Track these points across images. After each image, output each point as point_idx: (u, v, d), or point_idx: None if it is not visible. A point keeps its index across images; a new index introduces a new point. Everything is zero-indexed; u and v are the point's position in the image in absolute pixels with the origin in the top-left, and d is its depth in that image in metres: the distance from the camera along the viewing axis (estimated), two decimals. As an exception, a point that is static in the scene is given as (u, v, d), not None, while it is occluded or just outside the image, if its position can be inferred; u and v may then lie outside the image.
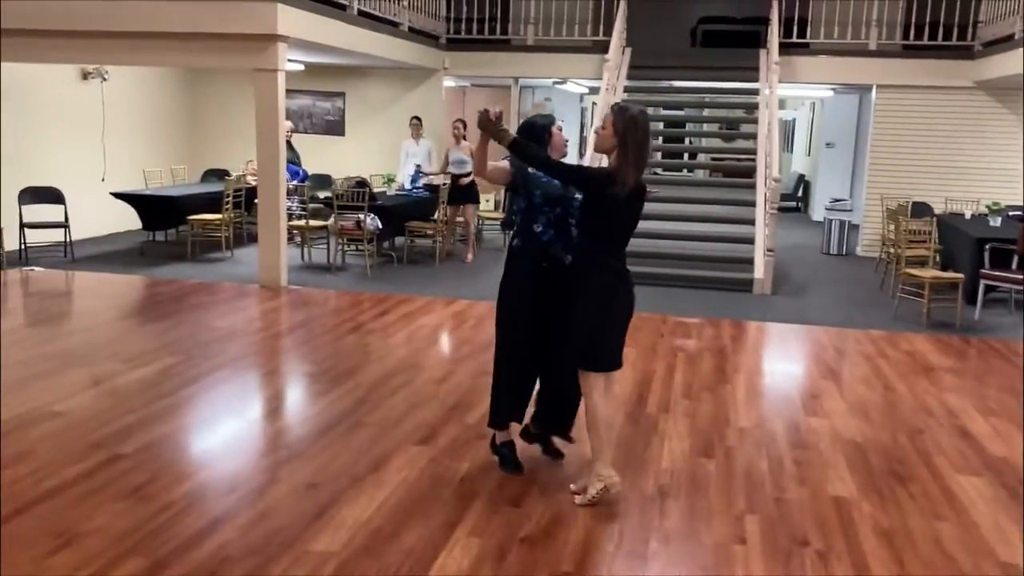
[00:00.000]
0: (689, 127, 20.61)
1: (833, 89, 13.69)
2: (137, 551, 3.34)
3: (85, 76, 10.79)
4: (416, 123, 11.17)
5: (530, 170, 4.00)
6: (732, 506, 3.94)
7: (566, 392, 4.14)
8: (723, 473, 4.32)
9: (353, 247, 9.76)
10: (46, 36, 8.59)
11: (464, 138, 10.27)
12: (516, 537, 3.57)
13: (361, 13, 9.84)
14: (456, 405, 5.18)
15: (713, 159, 17.41)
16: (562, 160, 4.03)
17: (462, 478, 4.14)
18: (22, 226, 9.30)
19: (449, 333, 7.16)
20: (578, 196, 3.96)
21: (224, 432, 4.83)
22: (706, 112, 16.07)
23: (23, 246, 9.35)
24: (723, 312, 8.06)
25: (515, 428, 4.36)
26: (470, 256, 10.30)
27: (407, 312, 7.60)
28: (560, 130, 4.13)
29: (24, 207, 9.34)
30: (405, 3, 11.07)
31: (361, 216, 9.11)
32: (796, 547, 3.59)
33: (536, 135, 4.06)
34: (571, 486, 4.03)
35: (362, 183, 9.47)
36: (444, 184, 10.20)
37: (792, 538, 3.66)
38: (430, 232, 10.26)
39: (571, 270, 3.94)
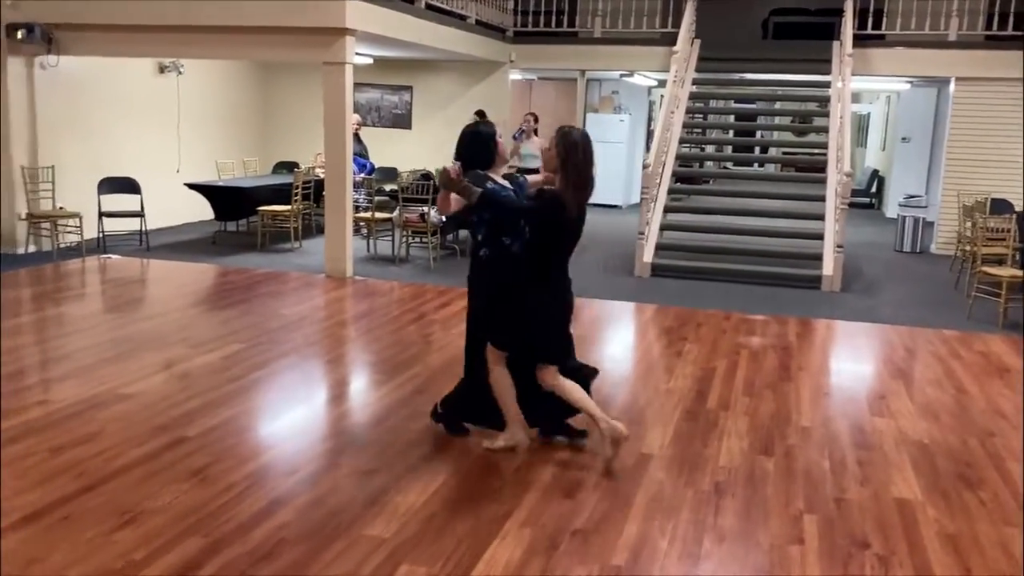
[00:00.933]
0: (760, 120, 20.25)
1: (910, 82, 13.31)
2: (196, 530, 3.43)
3: (161, 70, 11.10)
4: (529, 117, 11.16)
5: (489, 185, 4.08)
6: (790, 506, 3.87)
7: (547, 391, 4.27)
8: (782, 472, 4.23)
9: (417, 239, 9.84)
10: (124, 31, 8.88)
11: (536, 132, 10.21)
12: (568, 529, 3.56)
13: (428, 6, 9.92)
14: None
15: (785, 153, 17.15)
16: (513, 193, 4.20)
17: (516, 468, 4.14)
18: (100, 215, 9.61)
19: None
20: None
21: (286, 417, 4.93)
22: (778, 105, 15.80)
23: (101, 234, 9.66)
24: (789, 309, 7.90)
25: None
26: None
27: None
28: (500, 137, 4.31)
29: (102, 196, 9.64)
30: (472, -4, 11.11)
31: (425, 209, 9.19)
32: (856, 550, 3.50)
33: (483, 142, 4.26)
34: (484, 442, 4.37)
35: (427, 176, 9.55)
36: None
37: (852, 540, 3.57)
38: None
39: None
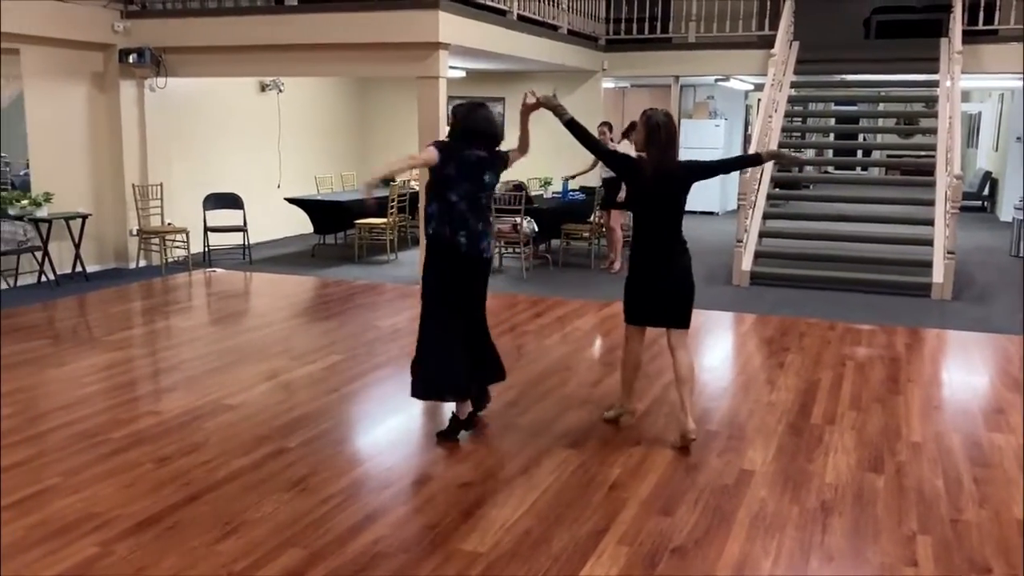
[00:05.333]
0: (863, 123, 19.60)
1: (1025, 78, 12.64)
2: (296, 542, 3.48)
3: (263, 88, 11.45)
4: (604, 128, 11.12)
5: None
6: (902, 525, 3.68)
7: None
8: (893, 490, 4.04)
9: (510, 249, 9.86)
10: (227, 52, 9.20)
11: (612, 140, 10.06)
12: (667, 547, 3.47)
13: (520, 18, 9.94)
14: (609, 409, 5.11)
15: (889, 156, 16.55)
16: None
17: (612, 484, 4.07)
18: (206, 230, 9.95)
19: (602, 337, 7.08)
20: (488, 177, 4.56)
21: (382, 429, 4.97)
22: (882, 107, 15.29)
23: (207, 249, 10.00)
24: (897, 318, 7.59)
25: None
26: (616, 264, 9.66)
27: (561, 315, 7.58)
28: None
29: (208, 212, 9.99)
30: (564, 6, 11.09)
31: (517, 219, 9.19)
32: (975, 574, 3.30)
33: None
34: (605, 413, 4.95)
35: (519, 187, 9.55)
36: (600, 187, 10.12)
37: (970, 563, 3.38)
38: (585, 235, 10.22)
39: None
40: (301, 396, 5.36)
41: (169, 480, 4.07)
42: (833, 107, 13.75)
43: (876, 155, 17.19)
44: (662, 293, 4.57)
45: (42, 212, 8.49)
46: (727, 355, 6.87)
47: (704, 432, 4.78)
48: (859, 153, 18.59)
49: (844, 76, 12.27)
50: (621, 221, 9.87)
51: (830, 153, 17.70)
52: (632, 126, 9.52)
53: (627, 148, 9.45)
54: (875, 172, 19.15)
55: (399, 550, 3.43)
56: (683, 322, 4.63)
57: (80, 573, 3.23)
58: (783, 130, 10.99)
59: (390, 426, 5.01)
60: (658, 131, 4.48)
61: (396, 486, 4.07)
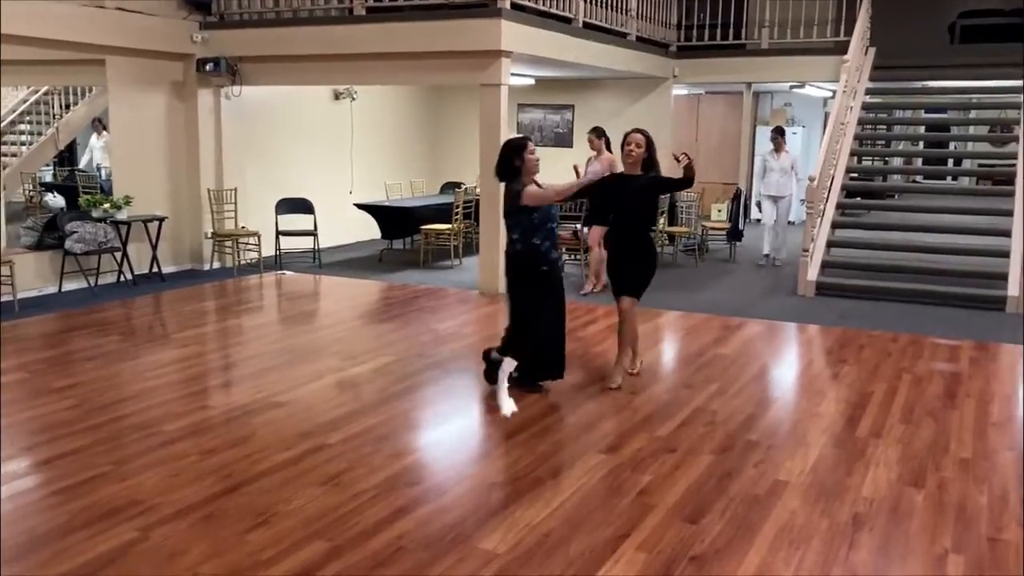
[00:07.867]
0: (954, 131, 18.88)
1: (1121, 84, 12.04)
2: (322, 534, 3.58)
3: (337, 96, 11.73)
4: (776, 136, 11.01)
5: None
6: (936, 543, 3.57)
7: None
8: (931, 506, 3.92)
9: (570, 256, 9.86)
10: (299, 61, 9.46)
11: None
12: (686, 555, 3.45)
13: (587, 25, 9.95)
14: (649, 416, 5.10)
15: (981, 166, 15.97)
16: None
17: (641, 490, 4.05)
18: (278, 234, 10.25)
19: (653, 345, 7.05)
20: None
21: (422, 428, 5.06)
22: (973, 114, 14.70)
23: (278, 252, 10.30)
24: (966, 332, 7.33)
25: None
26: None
27: (614, 322, 7.53)
28: (533, 151, 5.37)
29: (280, 216, 10.29)
30: (633, 13, 11.06)
31: (578, 226, 9.20)
32: (1006, 595, 3.19)
33: (514, 151, 5.36)
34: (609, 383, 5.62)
35: (580, 194, 9.53)
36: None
37: (1003, 585, 3.26)
38: (651, 242, 10.13)
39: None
40: (349, 395, 5.49)
41: (211, 472, 4.23)
42: (923, 115, 13.34)
43: (967, 164, 16.59)
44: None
45: (122, 215, 8.89)
46: (781, 366, 6.75)
47: (744, 442, 4.73)
48: (950, 162, 17.93)
49: (926, 82, 11.90)
50: None
51: (919, 162, 17.11)
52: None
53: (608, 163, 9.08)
54: (965, 182, 18.45)
55: (420, 546, 3.50)
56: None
57: (116, 556, 3.40)
58: (856, 137, 10.72)
59: (430, 426, 5.10)
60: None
61: (427, 484, 4.15)
